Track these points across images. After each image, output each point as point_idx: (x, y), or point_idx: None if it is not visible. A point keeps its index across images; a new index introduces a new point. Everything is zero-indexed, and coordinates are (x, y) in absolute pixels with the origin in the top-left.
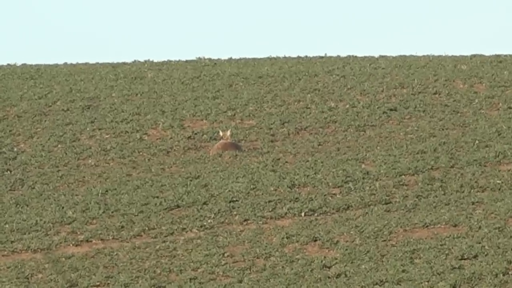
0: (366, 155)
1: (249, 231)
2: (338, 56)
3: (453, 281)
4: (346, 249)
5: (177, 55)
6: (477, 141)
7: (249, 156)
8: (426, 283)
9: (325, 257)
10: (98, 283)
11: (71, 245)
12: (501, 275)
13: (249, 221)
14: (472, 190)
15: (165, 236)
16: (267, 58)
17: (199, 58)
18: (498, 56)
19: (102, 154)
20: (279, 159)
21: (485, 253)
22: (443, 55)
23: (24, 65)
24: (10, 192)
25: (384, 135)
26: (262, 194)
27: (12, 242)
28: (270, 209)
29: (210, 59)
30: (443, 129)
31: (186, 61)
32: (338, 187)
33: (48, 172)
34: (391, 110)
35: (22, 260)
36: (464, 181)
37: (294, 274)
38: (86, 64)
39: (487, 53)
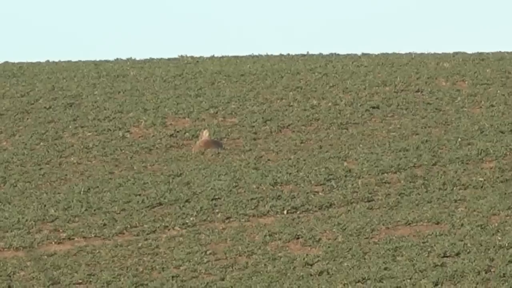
0: (348, 153)
1: (231, 229)
2: (321, 54)
3: (435, 278)
4: (329, 247)
5: (159, 53)
6: (459, 139)
7: (231, 154)
8: (409, 280)
9: (307, 254)
10: (80, 281)
11: (53, 243)
12: (484, 272)
13: (231, 219)
14: (454, 188)
15: (147, 234)
16: (249, 56)
17: (181, 56)
18: (480, 54)
19: (85, 152)
20: (261, 157)
21: (468, 250)
22: (426, 53)
23: (6, 63)
24: None
25: (367, 133)
26: (245, 192)
27: None
28: (253, 207)
29: (192, 57)
30: (425, 127)
31: (168, 59)
32: (321, 185)
33: (30, 170)
34: (373, 108)
35: (4, 258)
36: (446, 178)
37: (277, 272)
38: (68, 62)
39: (469, 51)
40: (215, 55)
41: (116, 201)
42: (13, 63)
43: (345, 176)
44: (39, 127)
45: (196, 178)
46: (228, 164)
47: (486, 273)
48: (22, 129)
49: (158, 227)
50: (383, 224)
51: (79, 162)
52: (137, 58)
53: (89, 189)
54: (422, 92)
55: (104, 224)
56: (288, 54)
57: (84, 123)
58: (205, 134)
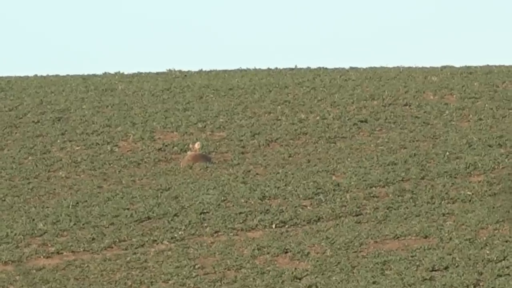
0: (336, 166)
1: (219, 243)
2: (308, 68)
3: None
4: (317, 261)
5: (147, 67)
6: (447, 153)
7: (219, 168)
8: None
9: (296, 268)
10: None
11: (42, 257)
12: (472, 286)
13: (219, 233)
14: (442, 202)
15: (136, 248)
16: (237, 70)
17: (170, 70)
18: (468, 67)
19: (73, 166)
20: (249, 171)
21: (456, 264)
22: (414, 66)
23: None
24: None
25: (355, 147)
26: (233, 206)
27: None
28: (241, 221)
29: (180, 71)
30: (413, 141)
31: (157, 73)
32: (309, 198)
33: (18, 185)
34: (361, 121)
35: None
36: (434, 192)
37: (265, 286)
38: (56, 76)
39: (457, 65)
40: (203, 69)
41: (105, 215)
42: (1, 77)
43: (333, 190)
44: (27, 141)
45: (184, 192)
46: (217, 178)
47: (474, 287)
48: (10, 143)
49: (147, 241)
50: (372, 238)
51: (67, 176)
52: (125, 72)
53: (77, 203)
54: (410, 106)
55: (93, 238)
56: (276, 68)
57: (73, 137)
58: (197, 146)
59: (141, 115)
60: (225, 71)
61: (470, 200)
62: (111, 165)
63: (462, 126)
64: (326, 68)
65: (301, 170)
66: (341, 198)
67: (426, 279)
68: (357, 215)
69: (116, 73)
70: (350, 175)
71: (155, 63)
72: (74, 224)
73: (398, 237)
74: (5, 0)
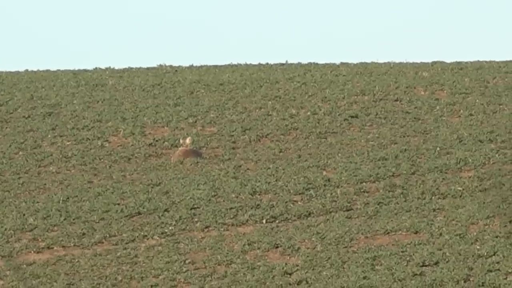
0: (327, 162)
1: (210, 238)
2: (299, 63)
3: (414, 287)
4: (308, 256)
5: (138, 62)
6: (438, 148)
7: (210, 163)
8: None
9: (286, 264)
10: None
11: (32, 252)
12: (462, 281)
13: (210, 228)
14: (433, 197)
15: (126, 243)
16: (228, 65)
17: (160, 65)
18: (459, 63)
19: (63, 161)
20: (240, 166)
21: (446, 259)
22: (404, 62)
23: None
24: None
25: (345, 142)
26: (224, 201)
27: None
28: (232, 216)
29: (171, 66)
30: (404, 136)
31: (147, 68)
32: (300, 194)
33: (9, 179)
34: (352, 117)
35: None
36: (425, 188)
37: (256, 281)
38: (47, 71)
39: (448, 60)
40: (194, 64)
41: (95, 210)
42: None
43: (324, 185)
44: (18, 136)
45: (175, 187)
46: (207, 173)
47: (465, 282)
48: (1, 138)
49: (137, 236)
50: (362, 233)
51: (58, 171)
52: (116, 67)
53: (68, 198)
54: (401, 101)
55: (83, 233)
56: (267, 63)
57: (63, 132)
58: (187, 142)
59: (132, 110)
60: (216, 66)
61: (460, 196)
62: (102, 160)
63: (452, 122)
64: (317, 64)
65: (292, 166)
66: (331, 194)
67: (416, 274)
68: (347, 211)
69: (106, 68)
70: (341, 171)
71: (145, 58)
72: (65, 219)
73: (388, 233)
74: None
